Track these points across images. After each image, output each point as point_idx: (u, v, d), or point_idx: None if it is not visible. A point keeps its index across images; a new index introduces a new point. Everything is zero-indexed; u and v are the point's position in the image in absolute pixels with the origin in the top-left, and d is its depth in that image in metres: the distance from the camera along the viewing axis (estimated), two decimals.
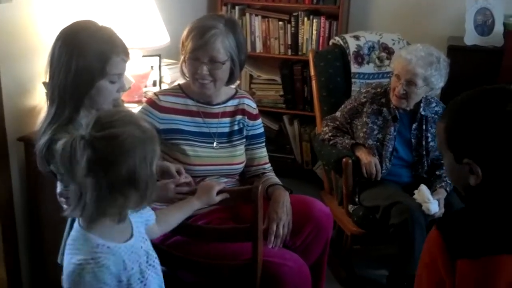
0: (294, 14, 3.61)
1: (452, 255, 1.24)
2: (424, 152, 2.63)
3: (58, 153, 1.28)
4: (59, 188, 1.66)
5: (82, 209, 1.32)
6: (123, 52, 1.70)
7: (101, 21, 1.76)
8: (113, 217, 1.36)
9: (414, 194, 2.48)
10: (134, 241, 1.43)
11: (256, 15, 3.68)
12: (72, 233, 1.37)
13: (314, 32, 3.59)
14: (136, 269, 1.41)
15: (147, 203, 1.41)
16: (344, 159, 2.57)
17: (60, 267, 1.75)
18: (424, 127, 2.63)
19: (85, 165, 1.26)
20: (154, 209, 1.65)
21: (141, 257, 1.43)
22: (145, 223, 1.54)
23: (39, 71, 2.29)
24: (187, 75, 2.09)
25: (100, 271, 1.30)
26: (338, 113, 2.80)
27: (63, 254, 1.75)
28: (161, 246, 1.98)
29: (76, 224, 1.37)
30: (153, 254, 1.51)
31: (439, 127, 1.37)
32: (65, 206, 1.62)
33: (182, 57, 2.07)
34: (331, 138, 2.74)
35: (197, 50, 1.99)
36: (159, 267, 1.52)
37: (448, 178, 1.40)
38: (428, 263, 1.30)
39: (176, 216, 1.77)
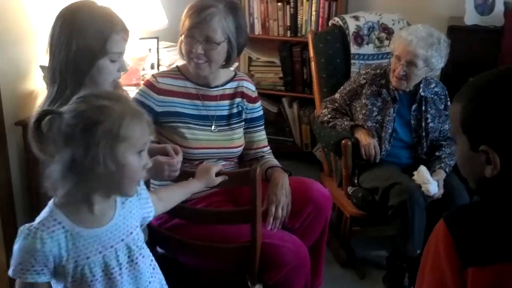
0: None
1: (464, 262, 1.10)
2: (423, 133, 2.62)
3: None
4: None
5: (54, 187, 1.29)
6: (123, 31, 1.69)
7: (99, 1, 1.75)
8: (81, 203, 1.31)
9: (413, 175, 2.48)
10: (104, 230, 1.34)
11: None
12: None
13: (314, 13, 3.55)
14: (95, 259, 1.32)
15: (116, 193, 1.34)
16: (343, 141, 2.56)
17: None
18: (423, 108, 2.62)
19: (56, 137, 1.25)
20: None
21: (107, 249, 1.34)
22: (142, 216, 1.47)
23: (35, 55, 2.28)
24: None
25: (40, 243, 1.24)
26: (337, 95, 2.78)
27: None
28: (160, 229, 1.99)
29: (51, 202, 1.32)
30: (139, 251, 1.41)
31: (455, 107, 1.19)
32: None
33: (180, 37, 2.04)
34: (330, 120, 2.73)
35: (193, 28, 1.97)
36: (145, 266, 1.42)
37: (461, 169, 1.24)
38: (434, 266, 1.15)
39: (179, 193, 1.74)
